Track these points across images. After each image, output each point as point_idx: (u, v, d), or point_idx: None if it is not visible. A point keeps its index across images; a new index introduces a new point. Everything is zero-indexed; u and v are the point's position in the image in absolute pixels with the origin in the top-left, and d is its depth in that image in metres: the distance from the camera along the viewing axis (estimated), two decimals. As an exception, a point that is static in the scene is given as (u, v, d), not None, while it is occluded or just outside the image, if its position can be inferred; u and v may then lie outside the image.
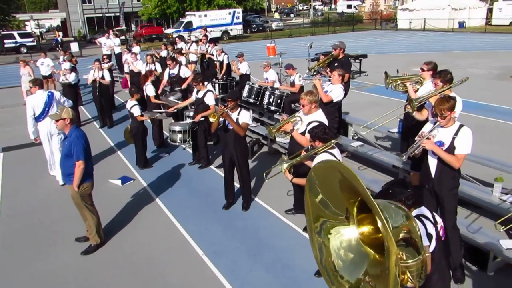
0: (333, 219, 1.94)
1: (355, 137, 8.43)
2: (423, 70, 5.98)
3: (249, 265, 5.20)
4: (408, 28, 38.50)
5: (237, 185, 6.77)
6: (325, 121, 5.36)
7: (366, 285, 1.80)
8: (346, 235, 1.92)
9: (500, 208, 5.25)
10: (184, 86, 10.62)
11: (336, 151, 4.66)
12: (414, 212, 3.19)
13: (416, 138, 4.52)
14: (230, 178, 6.59)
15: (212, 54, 13.32)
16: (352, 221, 1.90)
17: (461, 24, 35.58)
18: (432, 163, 4.47)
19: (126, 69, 14.33)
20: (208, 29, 24.54)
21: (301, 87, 9.08)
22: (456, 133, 4.29)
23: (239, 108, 6.25)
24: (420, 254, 1.85)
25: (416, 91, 5.92)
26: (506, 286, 4.62)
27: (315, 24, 46.54)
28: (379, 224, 1.64)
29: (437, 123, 4.36)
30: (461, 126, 4.34)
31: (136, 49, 16.23)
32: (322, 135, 4.57)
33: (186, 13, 40.20)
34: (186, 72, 10.84)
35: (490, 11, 36.92)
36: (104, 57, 17.39)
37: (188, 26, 36.26)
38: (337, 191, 1.86)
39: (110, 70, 13.03)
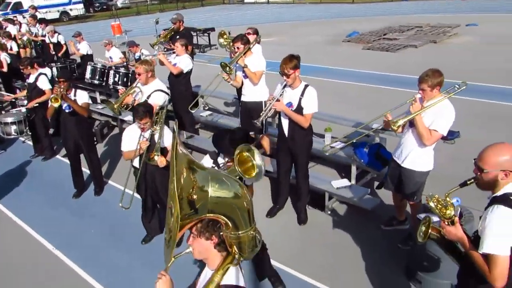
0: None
1: (206, 108, 8.60)
2: (248, 34, 6.61)
3: (108, 249, 5.03)
4: (253, 2, 39.96)
5: (86, 170, 6.40)
6: (166, 89, 5.36)
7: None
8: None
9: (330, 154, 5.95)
10: None
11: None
12: None
13: (266, 101, 4.77)
14: (77, 164, 6.18)
15: (44, 36, 12.07)
16: None
17: (301, -4, 38.29)
18: (285, 123, 4.76)
19: None
20: (43, 10, 22.07)
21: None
22: (302, 94, 4.58)
23: (73, 89, 5.82)
24: (240, 231, 1.95)
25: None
26: (340, 220, 5.29)
27: (164, 1, 45.30)
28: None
29: (285, 83, 4.59)
30: (306, 86, 4.63)
31: None
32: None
33: (13, -8, 35.45)
34: None
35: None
36: None
37: (17, 8, 31.97)
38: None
39: None
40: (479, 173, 2.50)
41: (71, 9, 35.28)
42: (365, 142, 5.66)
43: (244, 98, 6.13)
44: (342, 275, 4.35)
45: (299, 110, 4.60)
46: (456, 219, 2.57)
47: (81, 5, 36.39)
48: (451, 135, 7.04)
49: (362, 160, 5.49)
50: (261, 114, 4.74)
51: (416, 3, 29.86)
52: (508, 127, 7.58)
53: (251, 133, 6.29)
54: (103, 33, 22.38)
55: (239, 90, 6.65)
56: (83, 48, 10.58)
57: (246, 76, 5.84)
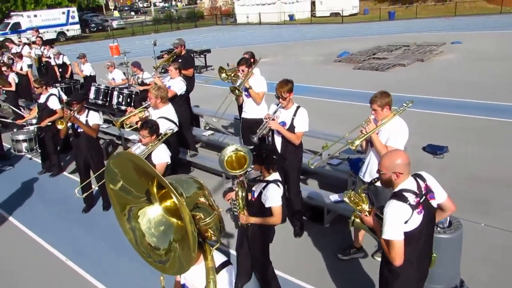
0: (138, 203, 2.20)
1: (207, 127, 9.01)
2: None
3: (116, 259, 5.34)
4: (246, 23, 40.90)
5: (94, 187, 6.72)
6: (174, 117, 5.71)
7: (174, 249, 2.11)
8: (152, 214, 2.21)
9: (327, 170, 6.36)
10: None
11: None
12: (272, 177, 3.97)
13: (263, 119, 5.20)
14: (86, 181, 6.51)
15: (49, 57, 12.50)
16: (154, 200, 2.19)
17: (291, 17, 39.26)
18: (278, 141, 5.18)
19: None
20: (41, 31, 22.59)
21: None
22: (295, 114, 5.03)
23: (86, 110, 6.22)
24: (214, 211, 2.22)
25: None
26: (340, 232, 5.59)
27: (158, 22, 46.13)
28: (173, 197, 1.95)
29: (279, 105, 5.06)
30: (298, 107, 5.09)
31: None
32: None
33: (12, 13, 36.01)
34: None
35: (313, 4, 41.42)
36: None
37: (16, 28, 32.56)
38: (135, 178, 2.11)
39: None
40: (380, 173, 3.10)
41: (68, 30, 35.98)
42: (359, 158, 6.06)
43: (245, 115, 6.56)
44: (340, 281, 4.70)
45: (291, 129, 5.04)
46: (373, 210, 3.23)
47: (78, 26, 37.10)
48: (440, 150, 7.49)
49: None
50: (257, 130, 5.18)
51: (402, 22, 30.92)
52: (495, 140, 8.06)
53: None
54: (100, 53, 22.90)
55: (239, 108, 7.05)
56: (87, 69, 10.99)
57: (248, 96, 6.31)
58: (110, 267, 5.21)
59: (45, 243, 5.79)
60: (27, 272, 5.26)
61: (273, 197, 3.90)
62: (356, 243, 5.07)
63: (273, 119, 5.02)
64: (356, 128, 4.46)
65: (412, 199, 2.91)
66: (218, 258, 2.41)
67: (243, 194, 4.03)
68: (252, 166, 4.08)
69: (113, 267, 5.20)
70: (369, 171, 4.52)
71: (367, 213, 3.23)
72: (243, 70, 6.21)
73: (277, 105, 5.15)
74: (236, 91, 6.10)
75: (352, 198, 3.29)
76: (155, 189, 2.16)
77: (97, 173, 6.37)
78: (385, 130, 4.28)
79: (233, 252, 4.97)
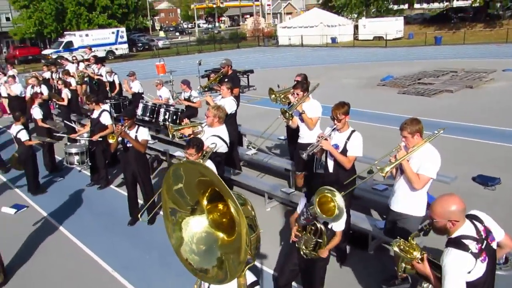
0: (185, 210, 2.22)
1: (249, 146, 9.08)
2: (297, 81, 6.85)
3: (161, 273, 5.42)
4: (288, 44, 41.29)
5: (140, 201, 6.89)
6: (226, 138, 5.71)
7: (224, 267, 2.10)
8: (195, 227, 2.23)
9: (371, 195, 6.26)
10: None
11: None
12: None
13: (316, 139, 5.17)
14: (133, 195, 6.70)
15: (101, 75, 13.08)
16: (200, 212, 2.21)
17: (334, 40, 39.32)
18: (330, 164, 5.11)
19: (3, 93, 13.32)
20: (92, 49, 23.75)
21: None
22: (349, 138, 4.97)
23: (136, 126, 6.43)
24: (256, 230, 2.23)
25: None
26: (384, 261, 5.42)
27: (201, 42, 47.45)
28: (230, 203, 1.97)
29: (334, 127, 5.02)
30: (353, 131, 5.03)
31: (12, 71, 15.19)
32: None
33: (65, 32, 38.16)
34: None
35: (356, 27, 41.41)
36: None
37: (69, 46, 34.47)
38: (193, 186, 2.13)
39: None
40: (432, 221, 2.83)
41: (116, 49, 37.69)
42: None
43: (301, 140, 6.34)
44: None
45: (344, 152, 4.95)
46: (425, 256, 2.97)
47: (126, 45, 38.77)
48: (492, 181, 7.17)
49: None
50: (308, 148, 5.12)
51: (449, 47, 30.21)
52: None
53: (299, 172, 6.65)
54: (146, 71, 23.72)
55: (290, 131, 6.94)
56: (135, 86, 11.41)
57: (302, 120, 6.15)
58: (154, 280, 5.29)
59: (92, 253, 5.96)
60: (74, 280, 5.42)
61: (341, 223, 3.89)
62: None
63: (326, 139, 4.96)
64: (386, 154, 4.42)
65: (473, 246, 2.68)
66: (249, 276, 2.46)
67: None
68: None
69: (157, 281, 5.27)
70: (396, 199, 4.46)
71: (419, 260, 2.99)
72: (297, 94, 6.03)
73: (331, 127, 5.10)
74: (287, 114, 5.92)
75: (402, 247, 3.07)
76: (205, 201, 2.19)
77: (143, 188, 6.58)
78: (416, 157, 4.20)
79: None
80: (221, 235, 2.19)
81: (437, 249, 3.89)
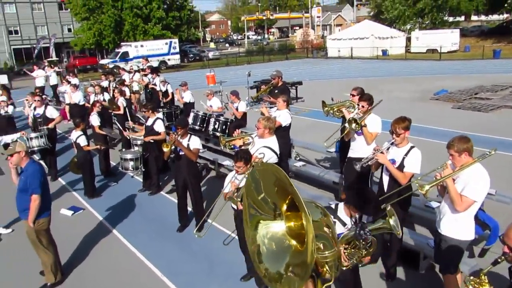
0: (267, 213, 2.22)
1: (297, 158, 9.06)
2: (353, 95, 6.62)
3: (207, 281, 5.50)
4: (337, 56, 40.96)
5: (189, 208, 7.04)
6: (277, 149, 5.70)
7: (288, 277, 2.06)
8: (273, 228, 2.21)
9: (423, 212, 6.06)
10: (50, 126, 9.55)
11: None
12: None
13: (371, 152, 5.08)
14: (183, 202, 6.88)
15: (155, 84, 13.59)
16: (280, 218, 2.19)
17: (385, 52, 38.57)
18: (385, 179, 4.98)
19: (67, 100, 14.14)
20: (147, 59, 24.73)
21: (244, 114, 9.66)
22: (407, 154, 4.82)
23: (188, 135, 6.61)
24: (335, 247, 2.14)
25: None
26: (435, 281, 5.21)
27: (251, 53, 48.06)
28: (302, 214, 1.93)
29: (392, 141, 4.87)
30: (412, 147, 4.88)
31: (75, 80, 16.10)
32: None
33: (122, 43, 39.99)
34: (53, 113, 9.81)
35: (408, 40, 40.42)
36: (37, 90, 16.92)
37: (124, 56, 36.08)
38: (273, 191, 2.14)
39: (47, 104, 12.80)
40: (508, 251, 2.53)
41: (169, 59, 39.02)
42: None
43: (352, 154, 6.25)
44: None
45: (400, 168, 4.79)
46: None
47: (178, 56, 40.04)
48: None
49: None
50: (363, 159, 5.02)
51: (509, 61, 28.75)
52: None
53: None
54: (197, 82, 24.30)
55: (342, 143, 6.82)
56: (187, 96, 11.74)
57: (360, 133, 6.01)
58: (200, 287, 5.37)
59: (143, 257, 6.15)
60: (126, 282, 5.62)
61: None
62: None
63: (382, 152, 4.84)
64: (431, 171, 4.26)
65: None
66: None
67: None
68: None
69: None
70: (441, 220, 4.26)
71: None
72: (363, 106, 5.90)
73: (389, 141, 4.96)
74: (354, 124, 5.69)
75: (476, 286, 2.84)
76: (285, 207, 2.18)
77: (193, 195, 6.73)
78: (463, 177, 4.01)
79: None
80: (295, 243, 2.16)
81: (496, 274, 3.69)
